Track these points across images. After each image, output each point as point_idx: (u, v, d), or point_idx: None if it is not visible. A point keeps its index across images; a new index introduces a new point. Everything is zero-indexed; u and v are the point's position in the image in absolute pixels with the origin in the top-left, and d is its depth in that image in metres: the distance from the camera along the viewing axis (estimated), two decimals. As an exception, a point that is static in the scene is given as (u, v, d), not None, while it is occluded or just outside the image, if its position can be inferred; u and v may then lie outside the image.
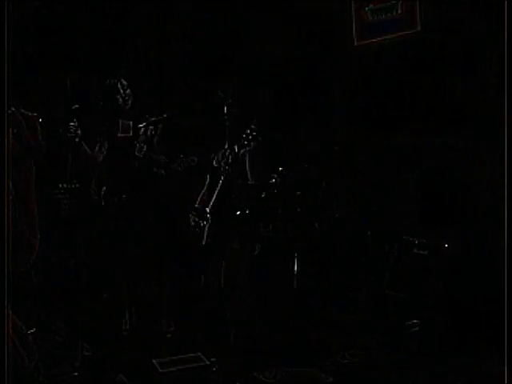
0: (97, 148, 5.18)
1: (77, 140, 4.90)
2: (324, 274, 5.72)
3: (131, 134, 5.15)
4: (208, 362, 4.40)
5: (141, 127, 5.08)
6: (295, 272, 5.62)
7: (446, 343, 4.44)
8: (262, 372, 4.28)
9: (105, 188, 5.23)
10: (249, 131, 4.58)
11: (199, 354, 4.54)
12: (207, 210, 4.80)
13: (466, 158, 5.59)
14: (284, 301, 5.45)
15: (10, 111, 1.83)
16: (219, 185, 4.74)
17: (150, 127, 5.13)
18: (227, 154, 4.81)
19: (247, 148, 4.61)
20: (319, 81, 6.87)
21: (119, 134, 5.16)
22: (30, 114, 1.89)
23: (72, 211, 5.06)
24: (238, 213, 4.75)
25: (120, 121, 5.10)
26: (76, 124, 4.87)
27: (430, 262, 5.07)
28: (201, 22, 6.94)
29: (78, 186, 4.98)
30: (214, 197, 4.76)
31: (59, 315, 5.15)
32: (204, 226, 4.82)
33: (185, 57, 6.97)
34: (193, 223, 4.94)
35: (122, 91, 5.10)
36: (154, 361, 4.45)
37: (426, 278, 5.03)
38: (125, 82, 5.12)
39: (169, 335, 5.15)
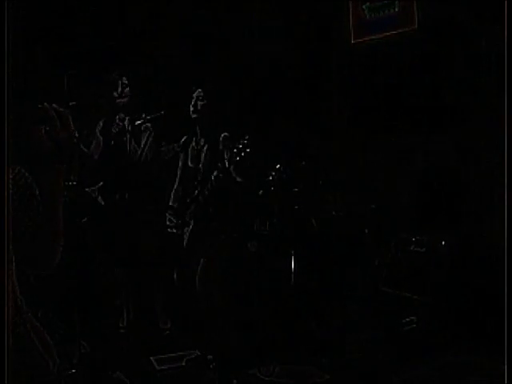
0: (93, 146, 5.18)
1: (75, 140, 4.87)
2: (321, 271, 5.72)
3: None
4: (206, 359, 4.41)
5: (138, 124, 5.06)
6: (292, 269, 5.62)
7: (443, 341, 4.44)
8: (259, 369, 4.28)
9: (101, 184, 5.24)
10: (240, 146, 4.28)
11: (196, 351, 4.54)
12: (187, 211, 4.70)
13: (463, 156, 5.60)
14: (281, 298, 5.45)
15: (40, 106, 1.73)
16: (205, 187, 4.56)
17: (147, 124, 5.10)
18: (204, 152, 4.73)
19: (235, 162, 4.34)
20: (316, 78, 6.88)
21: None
22: (62, 109, 1.78)
23: (69, 209, 5.05)
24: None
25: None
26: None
27: (428, 259, 5.08)
28: (199, 20, 6.93)
29: (75, 183, 4.97)
30: (197, 198, 4.64)
31: (56, 312, 5.14)
32: (183, 226, 4.71)
33: (182, 55, 6.96)
34: (169, 223, 4.79)
35: (120, 89, 5.08)
36: (151, 358, 4.45)
37: (423, 275, 5.04)
38: (125, 80, 5.10)
39: (167, 332, 5.15)
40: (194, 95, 4.67)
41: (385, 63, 6.30)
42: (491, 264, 4.51)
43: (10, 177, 1.77)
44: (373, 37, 6.50)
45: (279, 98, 6.65)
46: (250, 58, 6.87)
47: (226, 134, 4.62)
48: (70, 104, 4.88)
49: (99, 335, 4.82)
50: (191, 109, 4.66)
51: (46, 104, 1.74)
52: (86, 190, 5.34)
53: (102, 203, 5.39)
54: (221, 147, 4.54)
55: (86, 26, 6.61)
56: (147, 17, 6.95)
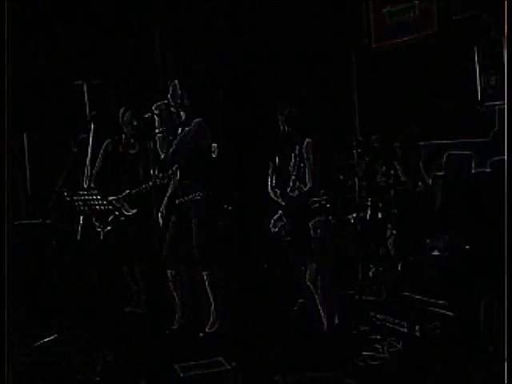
0: None
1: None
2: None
3: None
4: (229, 367, 4.39)
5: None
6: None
7: (468, 346, 4.38)
8: (284, 376, 4.25)
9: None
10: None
11: (220, 358, 4.53)
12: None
13: (488, 161, 5.56)
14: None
15: None
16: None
17: None
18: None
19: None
20: (338, 84, 6.89)
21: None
22: None
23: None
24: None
25: None
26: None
27: (450, 263, 5.05)
28: (222, 26, 6.98)
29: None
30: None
31: (80, 321, 5.18)
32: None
33: (206, 62, 7.03)
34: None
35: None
36: (175, 366, 4.44)
37: (445, 279, 5.01)
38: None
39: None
40: (285, 112, 4.74)
41: (406, 66, 6.28)
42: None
43: None
44: (394, 41, 6.50)
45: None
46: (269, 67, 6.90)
47: (308, 140, 4.65)
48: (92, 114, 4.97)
49: (123, 343, 4.84)
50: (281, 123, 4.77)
51: None
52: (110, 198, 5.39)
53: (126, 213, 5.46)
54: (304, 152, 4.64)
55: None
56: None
